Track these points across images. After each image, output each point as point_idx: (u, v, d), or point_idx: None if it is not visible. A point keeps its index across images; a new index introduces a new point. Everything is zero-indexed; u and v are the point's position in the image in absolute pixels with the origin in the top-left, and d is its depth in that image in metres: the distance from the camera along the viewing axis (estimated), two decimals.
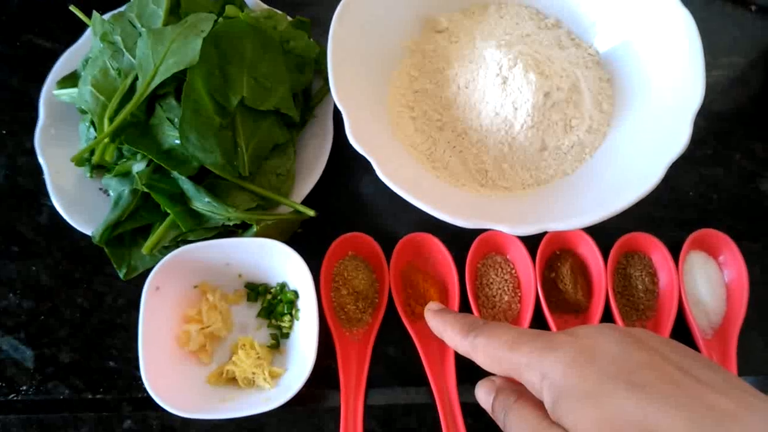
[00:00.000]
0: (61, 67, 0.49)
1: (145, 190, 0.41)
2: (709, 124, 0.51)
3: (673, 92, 0.41)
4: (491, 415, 0.28)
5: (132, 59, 0.42)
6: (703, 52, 0.40)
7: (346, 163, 0.49)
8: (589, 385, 0.21)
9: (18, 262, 0.48)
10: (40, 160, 0.46)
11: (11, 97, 0.54)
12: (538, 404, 0.24)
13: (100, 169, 0.46)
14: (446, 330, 0.30)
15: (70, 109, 0.47)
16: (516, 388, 0.26)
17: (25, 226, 0.49)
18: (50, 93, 0.47)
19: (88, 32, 0.50)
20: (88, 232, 0.43)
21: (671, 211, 0.49)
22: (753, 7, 0.56)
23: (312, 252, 0.43)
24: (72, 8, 0.48)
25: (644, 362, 0.21)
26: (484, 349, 0.26)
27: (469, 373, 0.42)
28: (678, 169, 0.49)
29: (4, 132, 0.52)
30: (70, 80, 0.47)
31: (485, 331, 0.27)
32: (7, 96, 0.54)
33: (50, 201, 0.44)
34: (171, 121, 0.41)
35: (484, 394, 0.28)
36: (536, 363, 0.23)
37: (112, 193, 0.44)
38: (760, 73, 0.54)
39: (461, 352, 0.29)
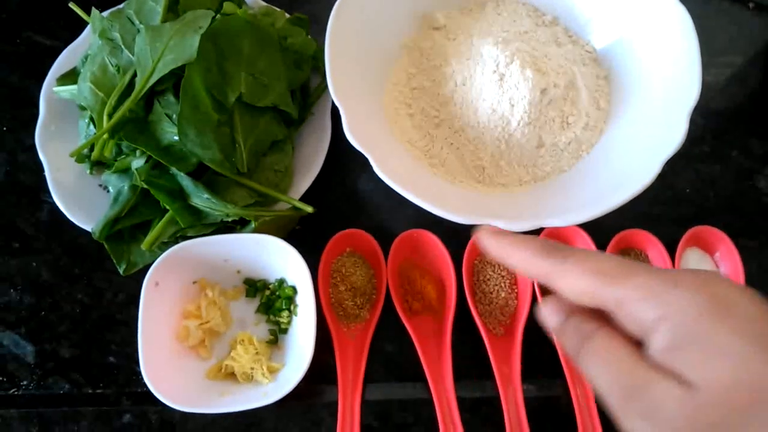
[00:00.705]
0: (60, 64, 0.49)
1: (145, 186, 0.41)
2: (707, 121, 0.51)
3: (669, 89, 0.41)
4: (557, 338, 0.25)
5: (131, 56, 0.42)
6: (701, 50, 0.40)
7: (344, 160, 0.49)
8: (728, 342, 0.19)
9: (19, 258, 0.48)
10: (41, 156, 0.46)
11: (12, 94, 0.54)
12: (629, 339, 0.22)
13: (99, 165, 0.46)
14: (516, 251, 0.26)
15: (70, 105, 0.47)
16: (594, 314, 0.23)
17: (25, 223, 0.49)
18: (50, 90, 0.48)
19: (88, 29, 0.50)
20: (88, 228, 0.43)
21: (668, 208, 0.49)
22: (750, 5, 0.56)
23: (310, 248, 0.43)
24: (71, 5, 0.48)
25: None
26: (576, 273, 0.23)
27: (465, 368, 0.43)
28: (675, 166, 0.49)
29: (5, 129, 0.53)
30: (70, 77, 0.47)
31: (577, 254, 0.23)
32: (7, 93, 0.54)
33: (50, 197, 0.45)
34: (169, 117, 0.41)
35: (550, 314, 0.25)
36: (656, 298, 0.21)
37: (111, 190, 0.44)
38: (757, 71, 0.54)
39: (535, 275, 0.25)
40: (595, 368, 0.22)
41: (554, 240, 0.45)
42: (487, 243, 0.27)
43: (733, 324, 0.20)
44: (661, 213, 0.48)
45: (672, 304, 0.20)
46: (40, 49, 0.56)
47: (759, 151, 0.51)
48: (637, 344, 0.22)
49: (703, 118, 0.51)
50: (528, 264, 0.25)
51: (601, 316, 0.23)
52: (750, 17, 0.56)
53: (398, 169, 0.40)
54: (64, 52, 0.49)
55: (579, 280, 0.23)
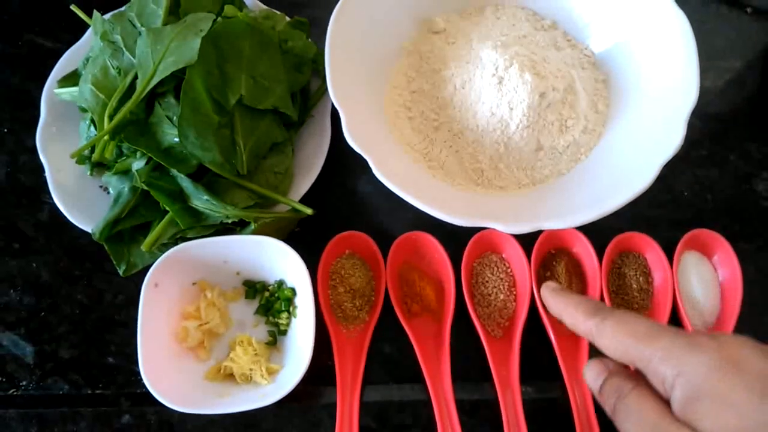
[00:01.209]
0: (62, 66, 0.49)
1: (145, 187, 0.41)
2: (705, 125, 0.52)
3: (667, 93, 0.41)
4: (597, 397, 0.28)
5: (132, 58, 0.42)
6: (699, 54, 0.40)
7: (344, 163, 0.49)
8: (734, 395, 0.22)
9: (19, 258, 0.48)
10: (42, 158, 0.46)
11: (13, 95, 0.54)
12: (658, 397, 0.25)
13: (100, 167, 0.46)
14: (567, 310, 0.31)
15: (71, 107, 0.48)
16: (631, 376, 0.27)
17: (26, 223, 0.49)
18: (51, 92, 0.48)
19: (89, 32, 0.50)
20: (89, 230, 0.43)
21: (666, 211, 0.49)
22: (749, 9, 0.56)
23: (309, 250, 0.43)
24: (73, 8, 0.48)
25: None
26: (612, 334, 0.27)
27: (463, 370, 0.43)
28: (673, 170, 0.50)
29: (6, 130, 0.53)
30: (71, 79, 0.48)
31: (615, 317, 0.28)
32: (9, 95, 0.54)
33: (51, 198, 0.45)
34: (170, 119, 0.41)
35: (593, 374, 0.29)
36: (674, 359, 0.24)
37: (112, 191, 0.44)
38: (755, 75, 0.54)
39: (581, 333, 0.30)
40: (627, 422, 0.26)
41: (553, 245, 0.46)
42: (548, 300, 0.34)
43: (740, 379, 0.22)
44: (659, 216, 0.48)
45: (687, 364, 0.24)
46: (42, 51, 0.56)
47: (757, 154, 0.51)
48: (667, 403, 0.24)
49: (702, 122, 0.52)
50: (577, 322, 0.30)
51: (638, 378, 0.26)
52: (748, 22, 0.56)
53: (397, 171, 0.40)
54: (66, 54, 0.50)
55: (614, 339, 0.27)
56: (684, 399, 0.23)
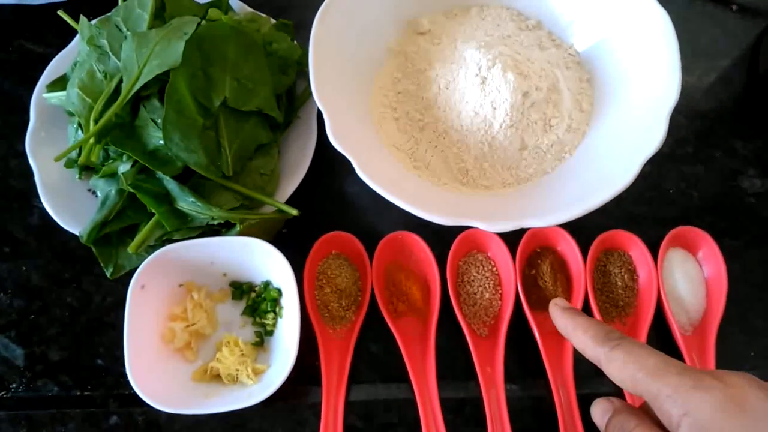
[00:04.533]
0: (51, 70, 0.50)
1: (131, 190, 0.41)
2: (691, 122, 0.52)
3: (649, 90, 0.41)
4: None
5: (118, 62, 0.43)
6: (684, 52, 0.40)
7: (330, 163, 0.49)
8: None
9: (9, 262, 0.48)
10: (31, 161, 0.46)
11: (3, 100, 0.54)
12: None
13: (88, 170, 0.46)
14: (576, 332, 0.31)
15: (60, 112, 0.48)
16: (635, 413, 0.28)
17: (16, 227, 0.50)
18: (41, 96, 0.48)
19: (78, 37, 0.51)
20: (77, 232, 0.43)
21: (652, 208, 0.49)
22: (734, 7, 0.56)
23: (296, 251, 0.43)
24: (60, 13, 0.48)
25: None
26: (621, 364, 0.27)
27: (449, 369, 0.43)
28: (659, 167, 0.50)
29: None
30: (60, 83, 0.48)
31: (625, 347, 0.28)
32: (0, 100, 0.55)
33: (41, 202, 0.45)
34: (155, 122, 0.41)
35: (600, 411, 0.30)
36: (681, 398, 0.24)
37: (99, 194, 0.44)
38: (741, 72, 0.54)
39: (589, 357, 0.30)
40: None
41: (538, 244, 0.46)
42: (556, 319, 0.33)
43: (746, 421, 0.23)
44: (645, 214, 0.49)
45: (692, 402, 0.24)
46: (32, 57, 0.56)
47: (743, 151, 0.51)
48: None
49: (688, 120, 0.52)
50: (586, 347, 0.30)
51: (642, 415, 0.27)
52: (733, 19, 0.56)
53: (382, 171, 0.40)
54: (55, 59, 0.50)
55: (623, 370, 0.27)
56: None
